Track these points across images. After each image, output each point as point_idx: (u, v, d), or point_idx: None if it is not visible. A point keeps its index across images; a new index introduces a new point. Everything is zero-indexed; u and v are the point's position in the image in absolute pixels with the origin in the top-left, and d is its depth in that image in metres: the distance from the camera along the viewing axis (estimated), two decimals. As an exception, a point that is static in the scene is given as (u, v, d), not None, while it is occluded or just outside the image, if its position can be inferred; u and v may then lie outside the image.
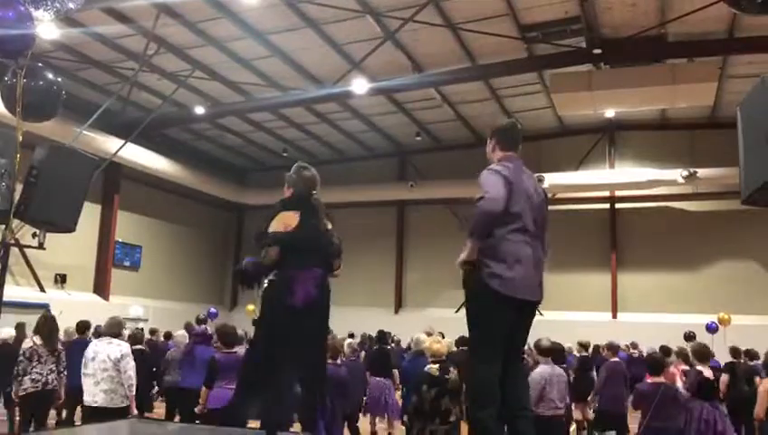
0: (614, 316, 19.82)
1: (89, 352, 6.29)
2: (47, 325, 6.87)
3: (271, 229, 3.89)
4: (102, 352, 6.24)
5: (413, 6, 12.91)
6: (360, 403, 9.35)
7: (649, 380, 6.87)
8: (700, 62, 14.23)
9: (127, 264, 20.48)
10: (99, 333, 6.67)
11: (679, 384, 7.36)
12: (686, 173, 17.89)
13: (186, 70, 15.89)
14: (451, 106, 18.48)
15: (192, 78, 16.20)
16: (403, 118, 19.51)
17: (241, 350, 7.27)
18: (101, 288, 19.03)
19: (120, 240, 20.04)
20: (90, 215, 18.11)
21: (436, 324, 15.79)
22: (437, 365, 5.97)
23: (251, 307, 20.62)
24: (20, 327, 9.62)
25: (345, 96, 16.55)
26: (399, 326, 15.73)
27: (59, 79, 5.24)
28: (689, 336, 16.39)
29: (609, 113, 18.11)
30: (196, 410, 6.70)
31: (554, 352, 7.36)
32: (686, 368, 8.00)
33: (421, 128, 20.30)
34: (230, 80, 16.53)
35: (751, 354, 10.92)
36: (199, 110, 17.46)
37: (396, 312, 21.52)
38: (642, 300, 19.39)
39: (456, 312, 20.29)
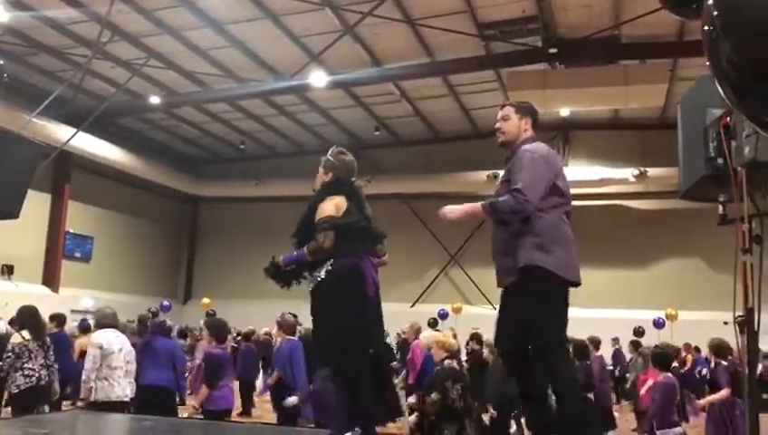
0: (566, 311, 20.19)
1: (113, 344, 6.10)
2: (35, 319, 6.63)
3: (322, 214, 3.65)
4: (126, 345, 6.25)
5: (372, 0, 12.92)
6: None
7: (662, 374, 6.75)
8: (651, 64, 14.63)
9: (78, 255, 20.04)
10: (101, 325, 6.38)
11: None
12: (636, 172, 18.37)
13: (140, 58, 15.59)
14: (409, 101, 18.56)
15: (147, 66, 15.90)
16: (362, 112, 19.51)
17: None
18: (51, 280, 18.60)
19: (71, 231, 19.60)
20: (39, 204, 17.66)
21: (393, 319, 15.81)
22: (453, 360, 5.74)
23: (206, 300, 20.42)
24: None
25: (303, 89, 16.47)
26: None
27: (0, 62, 5.11)
28: (638, 331, 16.85)
29: (564, 112, 18.44)
30: (192, 409, 6.31)
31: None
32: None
33: (380, 122, 20.33)
34: (186, 69, 16.30)
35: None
36: (154, 99, 17.17)
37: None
38: (593, 295, 19.68)
39: (412, 306, 20.46)
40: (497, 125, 3.61)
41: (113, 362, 6.03)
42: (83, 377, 5.93)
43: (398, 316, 16.60)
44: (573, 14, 13.52)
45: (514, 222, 3.24)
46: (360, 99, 18.56)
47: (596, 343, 10.06)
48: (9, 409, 6.63)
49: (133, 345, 9.05)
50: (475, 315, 19.01)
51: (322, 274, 3.57)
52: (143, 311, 15.83)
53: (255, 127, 21.04)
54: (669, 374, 6.75)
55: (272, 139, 22.05)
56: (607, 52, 14.27)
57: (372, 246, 3.77)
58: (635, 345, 12.38)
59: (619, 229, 19.85)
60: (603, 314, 18.60)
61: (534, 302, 3.22)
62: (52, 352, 6.57)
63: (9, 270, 17.48)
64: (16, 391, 6.24)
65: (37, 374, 6.31)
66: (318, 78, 15.39)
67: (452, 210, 3.39)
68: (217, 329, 6.66)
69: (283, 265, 3.74)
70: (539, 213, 3.23)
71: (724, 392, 6.70)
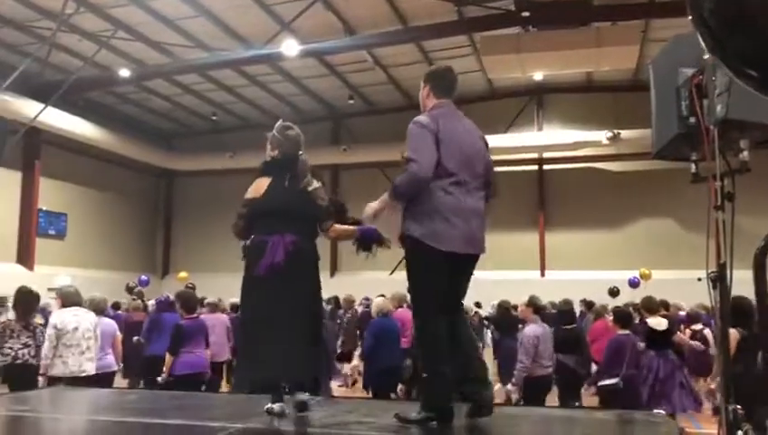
0: (542, 274, 20.49)
1: (68, 324, 6.29)
2: (22, 300, 6.84)
3: (247, 196, 3.88)
4: (83, 323, 6.40)
5: (343, -34, 12.75)
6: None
7: (620, 332, 7.12)
8: (623, 26, 14.65)
9: (52, 232, 19.79)
10: (66, 304, 6.56)
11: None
12: (609, 135, 18.53)
13: (108, 30, 15.26)
14: (383, 69, 18.44)
15: (115, 39, 15.58)
16: (335, 81, 19.36)
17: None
18: (25, 258, 18.34)
19: (44, 208, 19.31)
20: (9, 182, 17.40)
21: (372, 287, 15.90)
22: None
23: (183, 274, 20.34)
24: None
25: (275, 58, 16.27)
26: (335, 290, 15.81)
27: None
28: (613, 291, 17.15)
29: (538, 76, 18.45)
30: (159, 378, 6.78)
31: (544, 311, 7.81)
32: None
33: (354, 91, 20.19)
34: (155, 41, 15.98)
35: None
36: (124, 72, 16.83)
37: (331, 275, 21.59)
38: (569, 258, 20.09)
39: (391, 274, 20.55)
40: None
41: (68, 341, 6.26)
42: (41, 354, 6.27)
43: (378, 284, 16.76)
44: (545, -23, 13.48)
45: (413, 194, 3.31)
46: (334, 67, 18.40)
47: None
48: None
49: (138, 322, 9.21)
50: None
51: (243, 252, 3.83)
52: (122, 286, 15.76)
53: (228, 98, 20.78)
54: (627, 332, 7.10)
55: (245, 110, 21.81)
56: (579, 14, 14.27)
57: (296, 223, 3.75)
58: (587, 305, 12.62)
59: (594, 192, 20.10)
60: (579, 275, 18.91)
61: (409, 268, 3.42)
62: (41, 334, 6.67)
63: (-18, 249, 17.25)
64: None
65: (14, 353, 6.43)
66: (289, 47, 15.20)
67: (370, 209, 3.48)
68: (187, 301, 7.22)
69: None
70: None
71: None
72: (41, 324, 6.95)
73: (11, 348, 6.44)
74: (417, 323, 3.49)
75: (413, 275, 3.40)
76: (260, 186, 3.83)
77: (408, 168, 3.24)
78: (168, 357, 6.72)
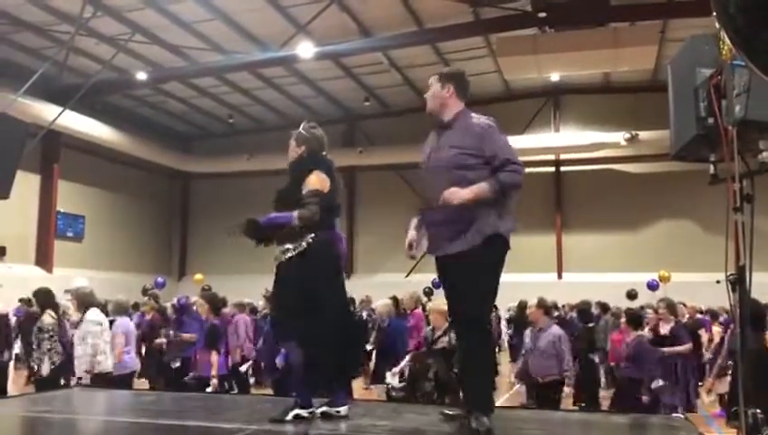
0: (559, 277, 20.35)
1: (104, 321, 6.49)
2: (48, 301, 6.85)
3: (311, 186, 3.68)
4: (107, 322, 6.62)
5: (358, -32, 12.76)
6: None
7: (633, 333, 7.25)
8: (641, 26, 14.53)
9: (70, 234, 19.97)
10: (89, 304, 6.65)
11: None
12: (628, 136, 18.39)
13: (125, 33, 15.38)
14: (398, 70, 18.43)
15: (132, 42, 15.70)
16: (351, 83, 19.37)
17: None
18: (44, 260, 18.52)
19: (62, 210, 19.49)
20: (28, 185, 17.55)
21: (388, 289, 15.87)
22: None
23: (199, 276, 20.44)
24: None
25: (291, 60, 16.31)
26: (351, 292, 15.83)
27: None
28: (631, 294, 16.97)
29: (555, 77, 18.35)
30: (210, 385, 6.76)
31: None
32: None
33: (369, 93, 20.20)
34: (171, 44, 16.08)
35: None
36: (141, 75, 16.96)
37: (348, 277, 21.62)
38: (586, 260, 19.94)
39: (407, 276, 20.53)
40: (426, 95, 3.64)
41: (107, 338, 6.40)
42: (89, 352, 6.23)
43: (393, 286, 16.73)
44: (562, -23, 13.40)
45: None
46: (349, 69, 18.41)
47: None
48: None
49: (156, 324, 9.40)
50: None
51: (303, 245, 3.63)
52: (139, 288, 15.84)
53: (244, 101, 20.87)
54: (641, 333, 7.33)
55: (261, 112, 21.89)
56: (596, 14, 14.17)
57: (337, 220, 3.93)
58: (602, 307, 12.51)
59: (611, 193, 19.93)
60: (597, 277, 18.75)
61: (484, 267, 3.26)
62: (66, 331, 6.79)
63: (1, 251, 17.41)
64: (53, 367, 6.40)
65: (60, 351, 6.53)
66: (305, 49, 15.22)
67: (458, 194, 3.19)
68: (215, 301, 7.50)
69: (264, 225, 3.75)
70: None
71: (687, 346, 7.58)
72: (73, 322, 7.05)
73: (61, 345, 6.54)
74: (479, 326, 3.35)
75: (488, 273, 3.28)
76: (324, 180, 3.74)
77: (519, 167, 3.26)
78: (214, 357, 6.83)
